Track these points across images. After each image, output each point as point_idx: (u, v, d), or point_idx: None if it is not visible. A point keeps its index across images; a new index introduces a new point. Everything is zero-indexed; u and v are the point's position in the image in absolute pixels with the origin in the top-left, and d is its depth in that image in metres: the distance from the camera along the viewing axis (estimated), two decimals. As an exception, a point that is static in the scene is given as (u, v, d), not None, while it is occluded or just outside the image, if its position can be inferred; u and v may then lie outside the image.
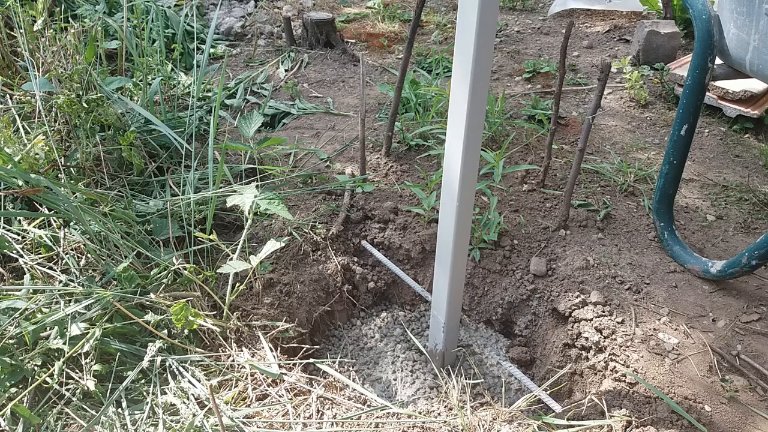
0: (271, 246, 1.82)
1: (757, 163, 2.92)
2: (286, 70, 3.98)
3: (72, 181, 2.26)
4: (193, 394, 1.66)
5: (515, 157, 2.90)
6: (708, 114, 3.35)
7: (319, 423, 1.66)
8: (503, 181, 2.73)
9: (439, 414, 1.83)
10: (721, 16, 2.08)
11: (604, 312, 2.03)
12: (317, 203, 2.56)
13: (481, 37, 1.33)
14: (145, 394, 1.67)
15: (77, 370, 1.67)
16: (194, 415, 1.58)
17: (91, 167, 2.36)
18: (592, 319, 2.01)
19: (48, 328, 1.70)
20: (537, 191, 2.67)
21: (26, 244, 2.02)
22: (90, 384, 1.61)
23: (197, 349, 1.81)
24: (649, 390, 1.74)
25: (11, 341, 1.67)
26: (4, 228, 2.03)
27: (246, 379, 1.75)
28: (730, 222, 2.50)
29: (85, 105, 2.34)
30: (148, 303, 1.85)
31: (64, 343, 1.66)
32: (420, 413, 1.82)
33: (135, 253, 2.01)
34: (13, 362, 1.60)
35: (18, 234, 2.04)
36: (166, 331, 1.80)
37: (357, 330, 2.36)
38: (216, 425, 1.57)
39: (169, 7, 4.17)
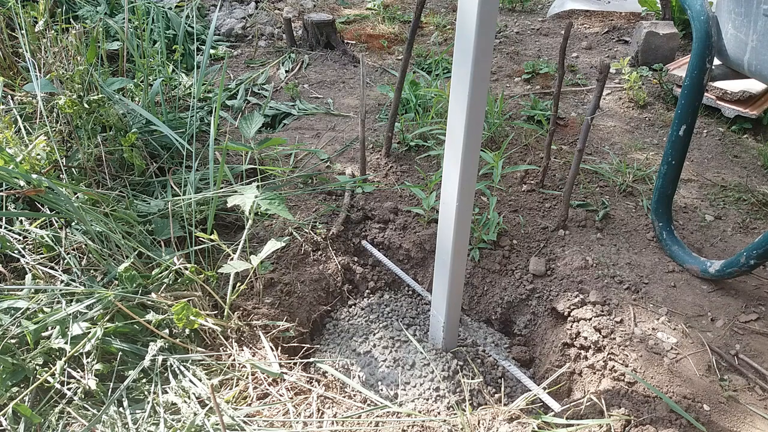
0: (272, 246, 1.83)
1: (755, 164, 2.93)
2: (286, 71, 3.99)
3: (73, 182, 2.27)
4: (194, 394, 1.67)
5: (514, 158, 2.91)
6: (706, 114, 3.36)
7: (319, 422, 1.66)
8: (502, 181, 2.74)
9: (438, 413, 1.84)
10: (719, 16, 2.09)
11: (602, 311, 2.04)
12: (318, 203, 2.56)
13: (481, 38, 1.34)
14: (146, 393, 1.68)
15: (79, 370, 1.67)
16: (195, 414, 1.59)
17: (93, 168, 2.37)
18: (591, 319, 2.01)
19: (49, 328, 1.71)
20: (536, 191, 2.68)
21: (28, 244, 2.03)
22: (91, 383, 1.62)
23: (198, 349, 1.82)
24: (648, 389, 1.74)
25: (13, 341, 1.67)
26: (6, 228, 2.04)
27: (247, 378, 1.76)
28: (728, 222, 2.51)
29: (86, 106, 2.35)
30: (149, 303, 1.85)
31: (66, 343, 1.66)
32: (420, 412, 1.83)
33: (136, 253, 2.02)
34: (14, 362, 1.61)
35: (20, 234, 2.05)
36: (167, 331, 1.80)
37: (357, 330, 2.37)
38: (217, 424, 1.58)
39: (170, 9, 4.18)
